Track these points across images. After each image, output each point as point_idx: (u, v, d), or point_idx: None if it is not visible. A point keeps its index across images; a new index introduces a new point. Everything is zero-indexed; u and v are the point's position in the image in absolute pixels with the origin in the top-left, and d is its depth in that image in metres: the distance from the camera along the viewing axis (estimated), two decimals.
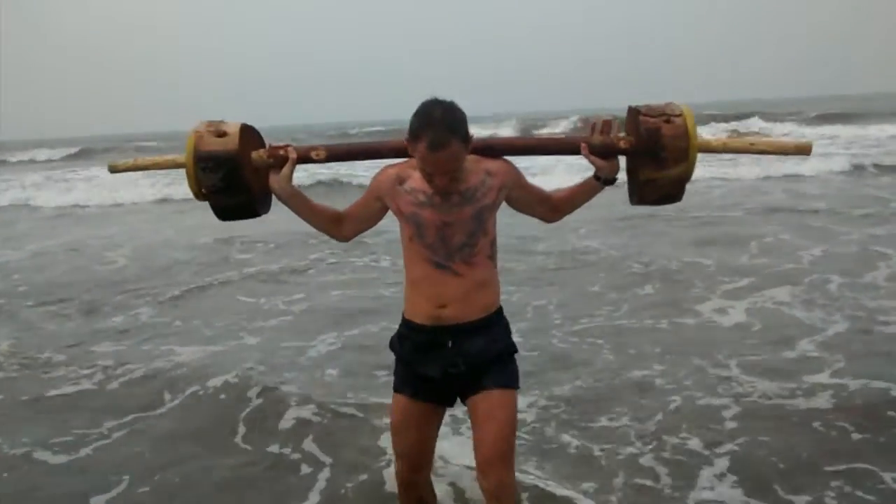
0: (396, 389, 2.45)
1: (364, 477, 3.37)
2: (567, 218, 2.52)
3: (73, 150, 40.31)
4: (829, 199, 11.50)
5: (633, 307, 6.04)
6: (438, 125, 2.09)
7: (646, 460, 3.45)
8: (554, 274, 7.37)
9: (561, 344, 5.18)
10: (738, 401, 4.05)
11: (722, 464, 3.40)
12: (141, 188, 16.50)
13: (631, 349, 5.02)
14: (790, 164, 15.22)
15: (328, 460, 3.57)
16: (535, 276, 7.27)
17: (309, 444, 3.74)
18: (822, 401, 4.00)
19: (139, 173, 17.67)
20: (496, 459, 2.26)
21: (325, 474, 3.45)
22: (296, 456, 3.65)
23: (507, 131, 32.73)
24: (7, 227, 13.27)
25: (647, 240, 8.82)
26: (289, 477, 3.47)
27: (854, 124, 28.10)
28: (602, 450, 3.56)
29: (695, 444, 3.59)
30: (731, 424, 3.79)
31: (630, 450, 3.56)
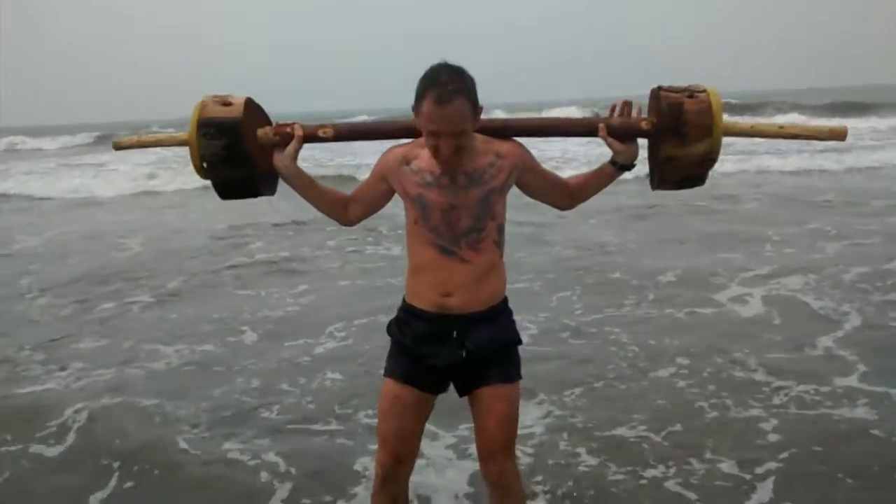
0: (388, 374, 2.29)
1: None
2: (578, 208, 2.37)
3: (91, 137, 39.56)
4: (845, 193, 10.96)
5: (654, 299, 5.67)
6: (445, 83, 1.97)
7: (672, 485, 2.98)
8: (571, 265, 7.00)
9: (578, 339, 4.79)
10: (770, 409, 3.62)
11: (766, 489, 2.91)
12: (160, 172, 16.10)
13: (651, 340, 4.66)
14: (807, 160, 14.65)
15: (298, 475, 3.21)
16: (550, 267, 6.90)
17: (283, 457, 3.35)
18: (865, 407, 3.58)
19: (150, 156, 17.48)
20: (498, 450, 2.20)
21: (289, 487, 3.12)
22: (267, 467, 3.29)
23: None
24: (24, 213, 12.92)
25: (662, 231, 8.46)
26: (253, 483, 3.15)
27: (871, 115, 27.29)
28: (621, 472, 3.09)
29: (730, 466, 3.10)
30: (772, 437, 3.33)
31: (654, 472, 3.08)
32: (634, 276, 6.32)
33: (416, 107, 2.04)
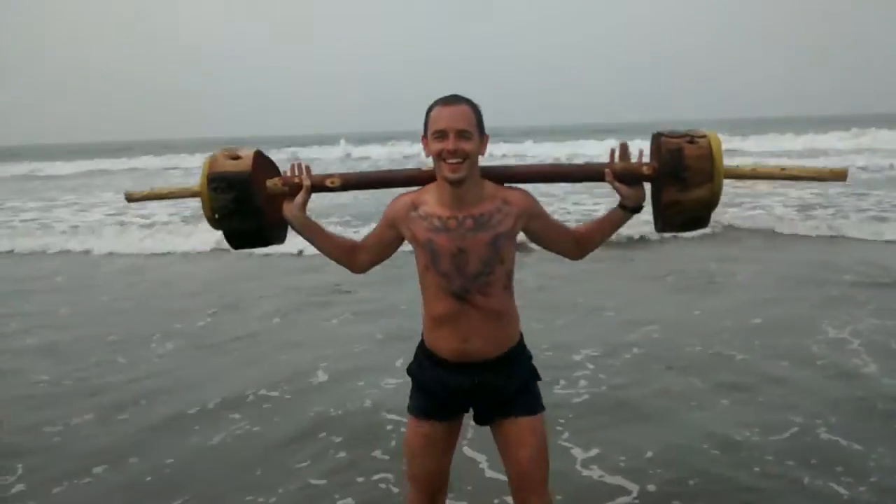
0: (411, 411, 2.32)
1: None
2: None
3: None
4: None
5: None
6: (452, 94, 2.10)
7: None
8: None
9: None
10: None
11: None
12: None
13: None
14: None
15: None
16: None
17: None
18: None
19: None
20: (536, 483, 2.19)
21: None
22: None
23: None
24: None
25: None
26: None
27: None
28: None
29: None
30: None
31: None
32: None
33: (425, 128, 2.10)
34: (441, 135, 2.05)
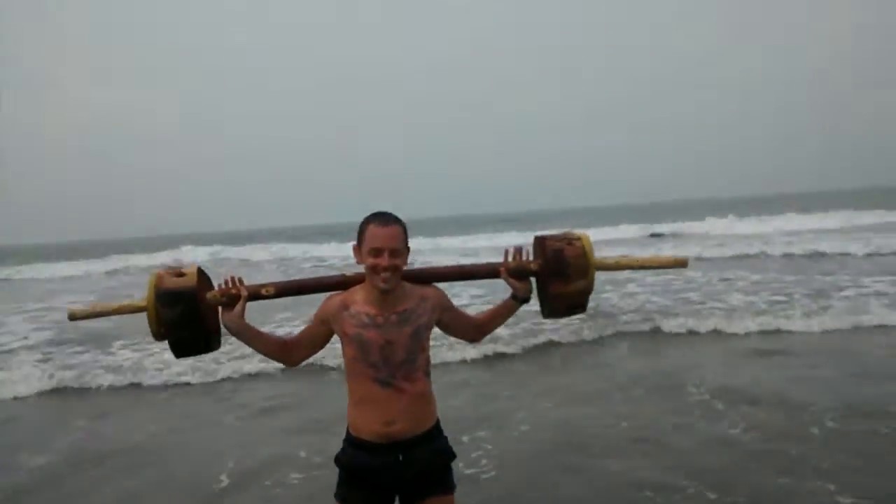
0: (341, 500, 2.45)
1: None
2: None
3: None
4: None
5: None
6: (386, 213, 2.37)
7: None
8: None
9: None
10: None
11: None
12: None
13: None
14: None
15: None
16: None
17: None
18: None
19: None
20: None
21: None
22: None
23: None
24: None
25: None
26: None
27: None
28: None
29: None
30: None
31: None
32: None
33: (359, 240, 2.36)
34: (377, 252, 2.30)
